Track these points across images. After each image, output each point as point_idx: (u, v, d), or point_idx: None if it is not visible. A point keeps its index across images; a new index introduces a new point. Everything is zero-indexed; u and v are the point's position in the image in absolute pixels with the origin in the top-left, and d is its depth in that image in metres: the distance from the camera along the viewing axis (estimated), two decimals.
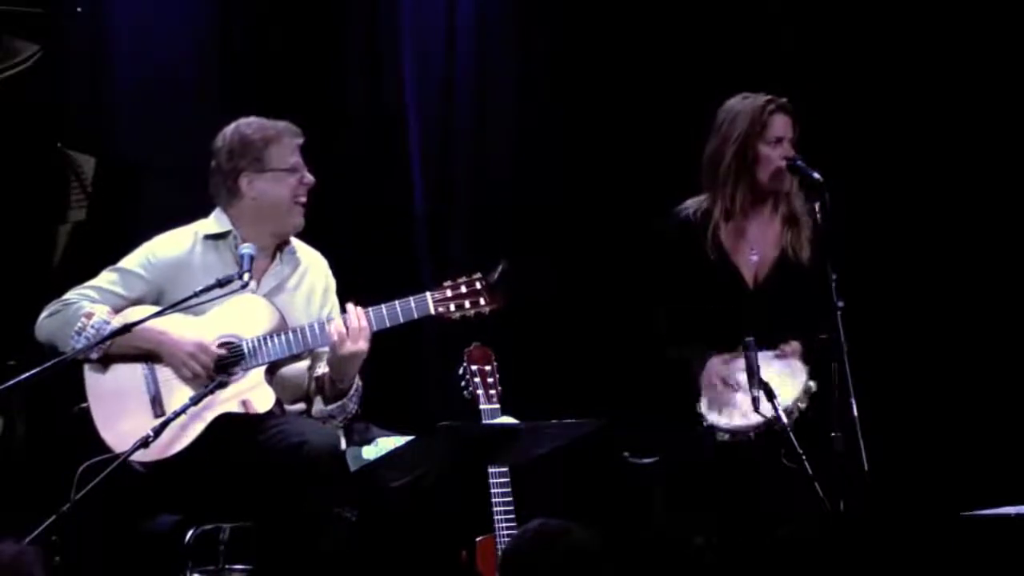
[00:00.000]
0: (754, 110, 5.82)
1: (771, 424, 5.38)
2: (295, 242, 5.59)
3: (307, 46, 6.97)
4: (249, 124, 5.52)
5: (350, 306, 5.33)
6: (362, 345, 5.29)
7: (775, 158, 5.79)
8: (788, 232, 5.83)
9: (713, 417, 5.66)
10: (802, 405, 5.56)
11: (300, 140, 5.54)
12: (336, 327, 5.28)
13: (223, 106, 6.76)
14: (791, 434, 5.31)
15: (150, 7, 6.84)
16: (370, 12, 7.10)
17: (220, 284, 5.24)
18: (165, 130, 6.75)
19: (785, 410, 5.38)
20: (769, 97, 5.84)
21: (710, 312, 5.75)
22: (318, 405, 5.44)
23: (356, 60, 7.10)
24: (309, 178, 5.50)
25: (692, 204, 5.90)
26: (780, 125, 5.82)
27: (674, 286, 5.83)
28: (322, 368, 5.46)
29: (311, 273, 5.59)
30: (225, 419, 5.24)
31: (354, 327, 5.28)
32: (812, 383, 5.59)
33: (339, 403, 5.40)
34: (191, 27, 6.88)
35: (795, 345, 5.66)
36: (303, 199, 5.50)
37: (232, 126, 5.53)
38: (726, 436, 5.64)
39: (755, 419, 5.44)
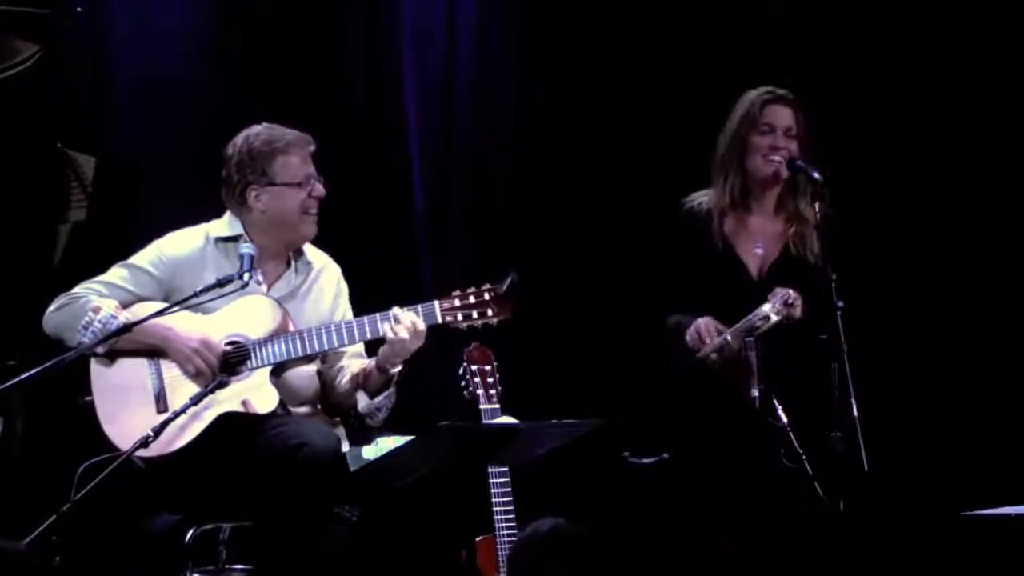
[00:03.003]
0: (751, 101, 5.88)
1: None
2: (308, 248, 5.57)
3: (307, 46, 6.97)
4: (258, 135, 5.46)
5: (399, 311, 5.31)
6: (421, 342, 5.30)
7: (763, 146, 5.83)
8: (792, 228, 5.84)
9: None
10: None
11: (311, 149, 5.48)
12: (399, 330, 5.26)
13: (223, 106, 6.77)
14: (791, 434, 5.31)
15: (150, 8, 6.85)
16: (370, 12, 7.11)
17: (220, 284, 5.25)
18: (165, 130, 6.75)
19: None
20: (768, 88, 5.87)
21: (712, 304, 5.76)
22: (363, 400, 5.42)
23: (356, 60, 7.10)
24: (319, 190, 5.46)
25: (698, 196, 5.93)
26: (773, 114, 5.85)
27: (679, 276, 5.84)
28: (355, 366, 5.46)
29: (322, 278, 5.57)
30: (226, 419, 5.25)
31: (411, 329, 5.27)
32: (773, 313, 5.59)
33: (385, 394, 5.40)
34: (191, 27, 6.88)
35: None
36: (313, 210, 5.47)
37: (242, 135, 5.48)
38: (714, 356, 5.66)
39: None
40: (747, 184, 5.87)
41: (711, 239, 5.85)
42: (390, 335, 5.28)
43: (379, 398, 5.41)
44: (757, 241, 5.87)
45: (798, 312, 5.62)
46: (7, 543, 4.50)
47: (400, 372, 5.40)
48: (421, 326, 5.29)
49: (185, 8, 6.89)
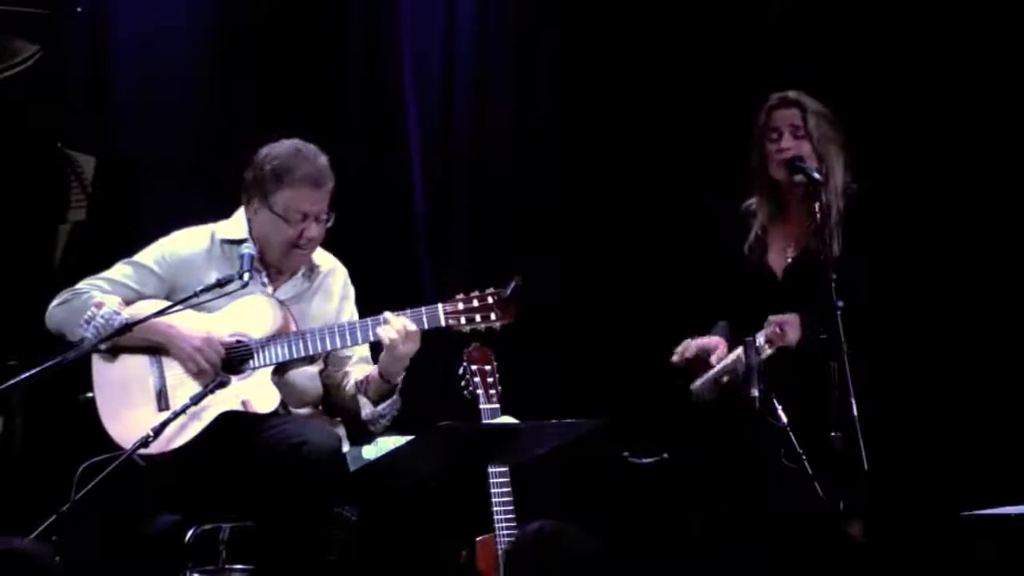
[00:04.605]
0: (762, 111, 5.87)
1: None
2: (316, 251, 5.55)
3: (307, 46, 6.97)
4: (276, 157, 5.40)
5: (389, 315, 5.31)
6: (415, 345, 5.31)
7: (773, 152, 5.83)
8: (811, 226, 5.83)
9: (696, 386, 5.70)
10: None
11: (327, 188, 5.40)
12: (388, 333, 5.27)
13: (223, 106, 6.77)
14: (791, 434, 5.31)
15: (150, 7, 6.85)
16: (370, 12, 7.11)
17: (220, 284, 5.25)
18: (165, 130, 6.75)
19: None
20: (777, 94, 5.88)
21: (737, 304, 5.77)
22: (367, 408, 5.42)
23: (356, 60, 7.10)
24: (311, 234, 5.40)
25: (752, 201, 5.94)
26: (778, 118, 5.86)
27: (708, 281, 5.87)
28: (360, 372, 5.47)
29: (328, 281, 5.58)
30: (226, 418, 5.24)
31: (400, 331, 5.28)
32: (765, 346, 5.59)
33: (389, 401, 5.41)
34: (191, 27, 6.88)
35: (787, 317, 5.66)
36: (306, 247, 5.43)
37: (269, 147, 5.43)
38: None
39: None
40: (776, 192, 5.87)
41: (744, 246, 5.88)
42: (384, 339, 5.28)
43: (383, 406, 5.41)
44: (790, 244, 5.88)
45: (788, 340, 5.62)
46: (8, 541, 4.50)
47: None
48: (412, 327, 5.29)
49: (185, 8, 6.89)
